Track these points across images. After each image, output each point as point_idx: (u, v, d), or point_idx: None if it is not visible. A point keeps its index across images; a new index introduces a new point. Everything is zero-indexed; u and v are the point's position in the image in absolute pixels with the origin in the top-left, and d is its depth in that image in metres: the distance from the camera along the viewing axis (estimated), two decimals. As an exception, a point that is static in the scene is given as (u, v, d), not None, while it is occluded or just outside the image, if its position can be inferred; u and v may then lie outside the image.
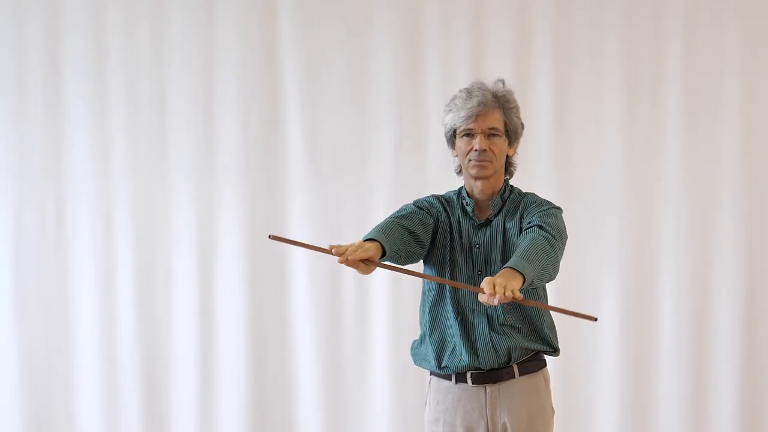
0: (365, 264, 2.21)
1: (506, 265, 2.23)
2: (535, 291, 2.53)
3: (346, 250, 2.19)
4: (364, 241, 2.28)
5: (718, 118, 3.77)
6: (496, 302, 2.08)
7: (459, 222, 2.53)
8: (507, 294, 2.08)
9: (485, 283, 2.11)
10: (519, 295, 2.10)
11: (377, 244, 2.27)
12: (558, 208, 2.51)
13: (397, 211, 2.52)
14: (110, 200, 3.97)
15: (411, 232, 2.42)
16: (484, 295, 2.11)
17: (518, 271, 2.19)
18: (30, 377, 4.01)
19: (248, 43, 3.90)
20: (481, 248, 2.51)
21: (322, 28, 3.87)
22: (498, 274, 2.19)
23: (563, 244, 2.43)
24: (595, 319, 2.11)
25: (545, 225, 2.39)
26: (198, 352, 3.95)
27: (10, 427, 4.01)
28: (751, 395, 3.79)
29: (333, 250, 2.19)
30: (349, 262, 2.18)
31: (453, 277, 2.51)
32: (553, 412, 2.61)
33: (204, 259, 3.95)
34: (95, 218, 3.97)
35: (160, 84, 3.94)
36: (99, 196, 3.97)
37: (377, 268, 2.24)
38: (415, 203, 2.57)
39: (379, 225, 2.39)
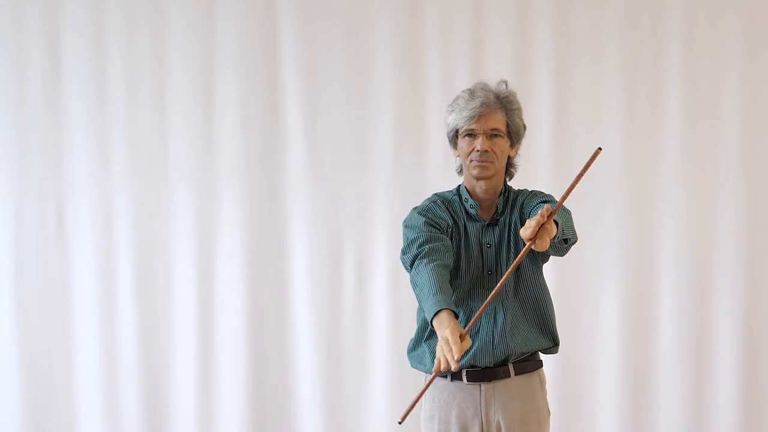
0: (465, 342, 2.17)
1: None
2: (537, 281, 2.55)
3: (450, 357, 2.14)
4: (435, 314, 2.22)
5: (718, 117, 3.78)
6: (547, 242, 2.09)
7: (466, 225, 2.53)
8: (542, 214, 2.08)
9: (523, 231, 2.10)
10: (549, 207, 2.11)
11: (449, 312, 2.22)
12: (551, 196, 2.56)
13: (420, 241, 2.41)
14: (110, 200, 3.97)
15: (447, 266, 2.39)
16: (539, 242, 2.09)
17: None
18: (30, 377, 4.00)
19: (248, 43, 3.90)
20: (492, 248, 2.51)
21: (322, 27, 3.87)
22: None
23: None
24: (600, 149, 2.09)
25: (549, 200, 2.46)
26: (198, 352, 3.95)
27: (10, 427, 4.01)
28: (751, 395, 3.80)
29: (442, 368, 2.16)
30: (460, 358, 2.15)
31: (463, 278, 2.51)
32: (549, 413, 2.62)
33: (204, 258, 3.95)
34: (95, 218, 3.97)
35: (160, 84, 3.94)
36: (99, 196, 3.97)
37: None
38: (426, 220, 2.49)
39: (432, 283, 2.29)
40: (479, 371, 2.51)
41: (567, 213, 2.39)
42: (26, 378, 4.00)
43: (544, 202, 2.45)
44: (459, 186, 2.59)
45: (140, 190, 3.96)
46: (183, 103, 3.93)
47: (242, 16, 3.89)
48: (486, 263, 2.51)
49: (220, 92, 3.92)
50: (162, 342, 3.97)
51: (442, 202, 2.57)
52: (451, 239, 2.51)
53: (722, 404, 3.80)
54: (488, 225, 2.53)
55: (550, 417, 2.63)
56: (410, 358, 2.63)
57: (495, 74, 2.63)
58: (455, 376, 2.53)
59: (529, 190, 2.60)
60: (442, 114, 2.64)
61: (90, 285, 3.98)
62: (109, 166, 3.97)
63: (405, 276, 3.83)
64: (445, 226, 2.51)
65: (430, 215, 2.52)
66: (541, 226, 2.08)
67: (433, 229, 2.47)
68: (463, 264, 2.51)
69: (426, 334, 2.57)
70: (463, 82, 3.49)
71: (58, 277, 4.00)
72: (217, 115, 3.92)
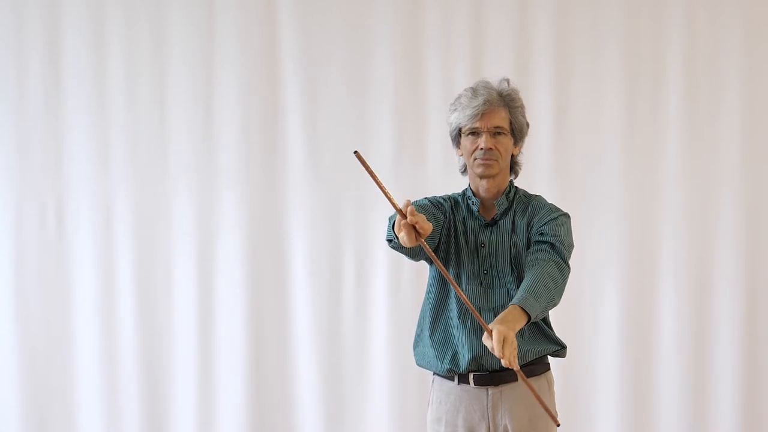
0: (417, 234, 2.14)
1: (514, 300, 2.26)
2: None
3: (418, 215, 2.12)
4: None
5: (718, 117, 3.78)
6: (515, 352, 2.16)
7: (464, 221, 2.53)
8: (510, 363, 2.14)
9: (496, 341, 2.13)
10: (517, 367, 2.16)
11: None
12: (567, 215, 2.52)
13: (414, 202, 2.45)
14: (110, 200, 3.96)
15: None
16: (488, 341, 2.15)
17: (525, 310, 2.22)
18: (30, 377, 4.00)
19: (248, 43, 3.90)
20: (487, 248, 2.51)
21: (322, 27, 3.87)
22: (505, 313, 2.22)
23: (570, 256, 2.46)
24: (559, 425, 2.25)
25: (557, 243, 2.42)
26: (198, 352, 3.95)
27: (10, 426, 4.00)
28: (751, 396, 3.80)
29: (407, 208, 2.12)
30: (410, 223, 2.11)
31: (459, 274, 2.52)
32: (557, 415, 2.61)
33: (204, 258, 3.94)
34: (95, 218, 3.97)
35: (160, 84, 3.93)
36: (99, 196, 3.96)
37: (420, 245, 2.18)
38: (427, 198, 2.56)
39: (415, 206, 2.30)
40: (486, 375, 2.50)
41: (562, 280, 2.37)
42: (26, 378, 3.99)
43: (552, 246, 2.41)
44: (465, 188, 2.59)
45: (140, 190, 3.96)
46: (183, 103, 3.93)
47: (242, 16, 3.89)
48: (482, 262, 2.51)
49: (220, 92, 3.92)
50: (162, 341, 3.97)
51: (447, 198, 2.59)
52: (449, 229, 2.52)
53: (722, 405, 3.80)
54: (486, 225, 2.53)
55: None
56: (415, 355, 2.62)
57: (495, 73, 2.61)
58: (462, 379, 2.52)
59: (545, 201, 2.56)
60: (442, 113, 2.64)
61: (90, 285, 3.98)
62: (109, 166, 3.96)
63: (405, 276, 3.85)
64: (445, 211, 2.52)
65: (435, 200, 2.55)
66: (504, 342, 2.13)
67: (432, 205, 2.50)
68: (463, 259, 2.51)
69: (429, 330, 2.55)
70: (463, 82, 3.48)
71: (58, 277, 3.99)
72: (217, 115, 3.92)
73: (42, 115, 3.97)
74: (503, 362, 2.15)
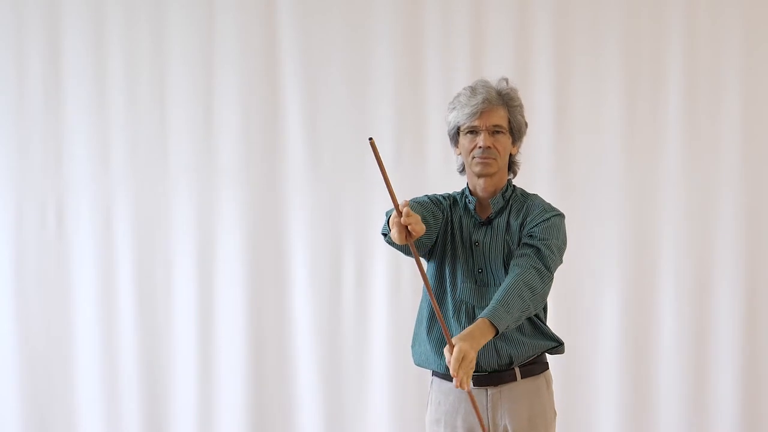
0: (408, 234, 2.16)
1: (484, 312, 2.26)
2: None
3: (413, 216, 2.15)
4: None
5: (718, 117, 3.77)
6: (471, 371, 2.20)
7: (461, 219, 2.54)
8: (461, 384, 2.16)
9: (454, 359, 2.15)
10: (468, 389, 2.19)
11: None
12: (560, 215, 2.51)
13: (413, 199, 2.47)
14: (110, 200, 3.97)
15: (425, 221, 2.38)
16: (449, 354, 2.18)
17: (493, 324, 2.23)
18: (30, 377, 4.00)
19: (248, 43, 3.90)
20: (481, 247, 2.50)
21: (322, 26, 3.88)
22: (472, 327, 2.23)
23: (559, 259, 2.46)
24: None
25: (543, 247, 2.41)
26: (198, 352, 3.95)
27: (9, 426, 4.00)
28: (751, 396, 3.79)
29: (404, 208, 2.15)
30: (405, 223, 2.14)
31: (454, 272, 2.52)
32: (555, 414, 2.61)
33: (204, 258, 3.95)
34: (95, 218, 3.97)
35: (160, 84, 3.94)
36: (99, 197, 3.97)
37: (409, 245, 2.21)
38: (427, 195, 2.57)
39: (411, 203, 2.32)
40: (485, 375, 2.50)
41: (541, 287, 2.37)
42: (26, 378, 4.00)
43: (538, 251, 2.40)
44: (464, 188, 2.59)
45: (140, 190, 3.96)
46: (183, 103, 3.94)
47: (242, 16, 3.90)
48: (476, 260, 2.51)
49: (220, 92, 3.92)
50: (162, 341, 3.97)
51: (448, 197, 2.59)
52: (446, 227, 2.52)
53: (722, 405, 3.80)
54: (481, 224, 2.53)
55: (556, 418, 2.62)
56: (413, 354, 2.62)
57: (495, 73, 2.62)
58: None
59: (542, 200, 2.56)
60: (442, 113, 2.64)
61: (90, 285, 3.98)
62: (109, 166, 3.97)
63: (405, 276, 3.85)
64: (443, 209, 2.53)
65: (434, 198, 2.56)
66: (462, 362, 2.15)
67: (431, 203, 2.50)
68: (459, 257, 2.51)
69: (426, 328, 2.55)
70: (463, 82, 3.47)
71: (58, 277, 3.99)
72: (217, 115, 3.93)
73: (42, 115, 3.97)
74: (455, 382, 2.17)
